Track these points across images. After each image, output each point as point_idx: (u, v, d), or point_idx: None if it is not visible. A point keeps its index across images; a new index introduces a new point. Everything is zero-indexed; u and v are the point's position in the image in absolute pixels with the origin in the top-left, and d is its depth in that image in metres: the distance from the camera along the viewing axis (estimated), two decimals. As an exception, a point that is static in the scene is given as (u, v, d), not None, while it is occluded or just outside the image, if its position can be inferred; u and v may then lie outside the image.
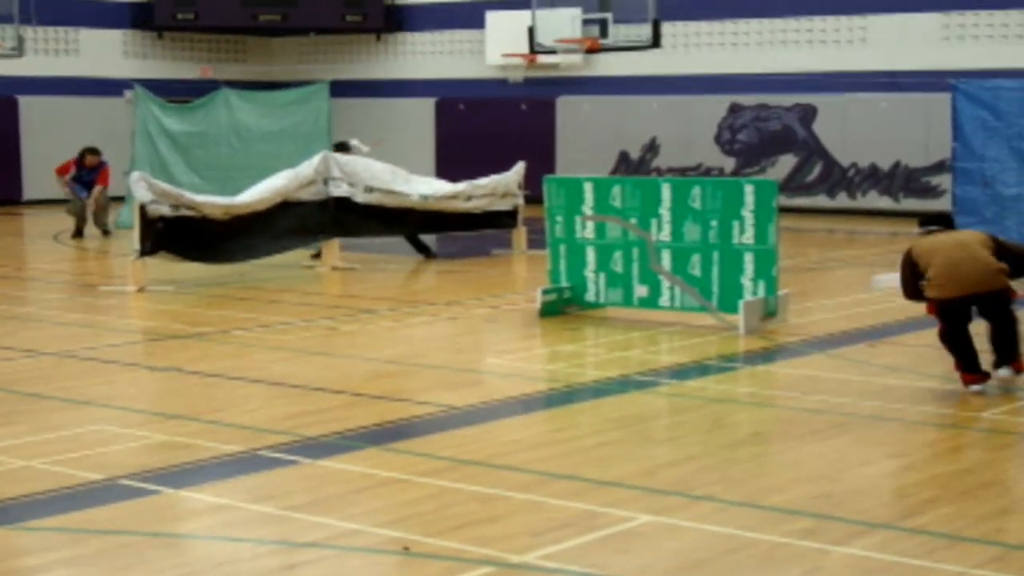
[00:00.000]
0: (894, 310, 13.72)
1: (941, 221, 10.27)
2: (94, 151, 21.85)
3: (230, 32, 32.46)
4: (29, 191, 29.16)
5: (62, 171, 21.83)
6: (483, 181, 18.84)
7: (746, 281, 12.52)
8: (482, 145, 29.17)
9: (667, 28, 25.07)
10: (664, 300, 12.96)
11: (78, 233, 21.41)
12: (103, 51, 30.58)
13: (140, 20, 31.07)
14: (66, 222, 21.97)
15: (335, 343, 12.04)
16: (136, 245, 15.27)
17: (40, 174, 29.07)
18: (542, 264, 14.37)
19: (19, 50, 25.86)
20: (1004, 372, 9.75)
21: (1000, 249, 9.83)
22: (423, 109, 31.19)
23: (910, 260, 9.92)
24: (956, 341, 9.71)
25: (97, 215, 21.52)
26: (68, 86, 29.72)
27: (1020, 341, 9.75)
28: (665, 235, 12.86)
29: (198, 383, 10.18)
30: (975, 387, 9.67)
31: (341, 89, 28.61)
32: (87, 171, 21.62)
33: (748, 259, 12.49)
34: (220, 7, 30.85)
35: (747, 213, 12.47)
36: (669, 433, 8.85)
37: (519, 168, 19.25)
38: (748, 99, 27.40)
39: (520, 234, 19.17)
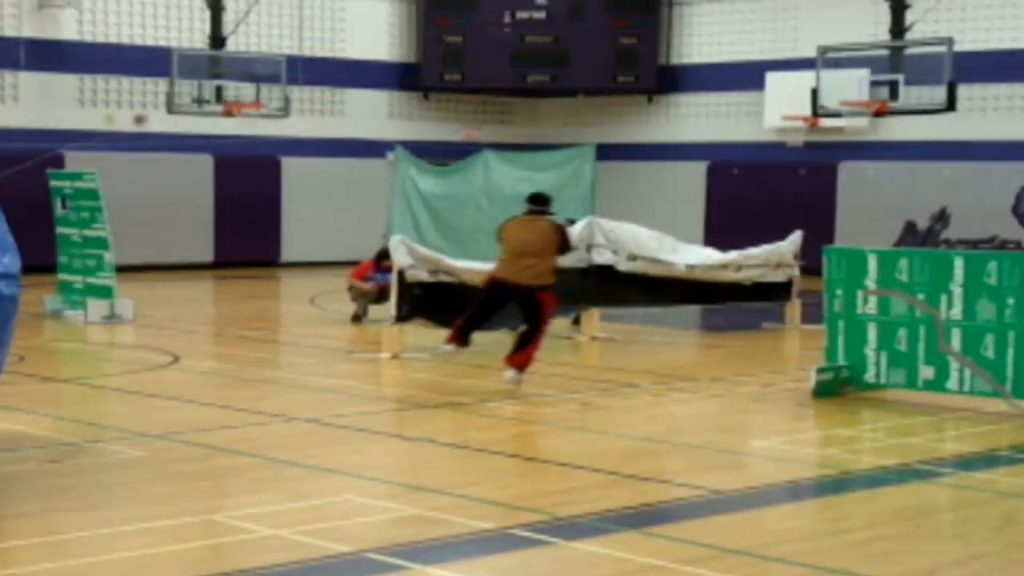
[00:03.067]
0: None
1: (537, 201, 13.14)
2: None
3: (497, 93, 33.16)
4: (287, 253, 30.26)
5: (360, 275, 19.45)
6: (755, 251, 18.65)
7: (1045, 365, 12.04)
8: (756, 212, 28.97)
9: (963, 91, 24.47)
10: (952, 383, 12.56)
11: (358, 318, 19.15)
12: (368, 112, 31.62)
13: (407, 81, 32.04)
14: (328, 284, 22.53)
15: (592, 418, 12.04)
16: (392, 311, 15.64)
17: (299, 236, 30.23)
18: (817, 340, 14.11)
19: (285, 111, 26.96)
20: (508, 374, 12.83)
21: (564, 237, 12.91)
22: (694, 173, 31.18)
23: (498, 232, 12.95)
24: (476, 311, 12.91)
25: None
26: (331, 147, 30.82)
27: (531, 340, 12.81)
28: (956, 313, 12.49)
29: (450, 455, 10.32)
30: (446, 348, 12.96)
31: (608, 152, 28.86)
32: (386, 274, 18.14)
33: (1048, 341, 12.02)
34: (488, 68, 31.60)
35: (1048, 290, 12.02)
36: (954, 529, 8.53)
37: (796, 237, 18.98)
38: (1051, 167, 26.48)
39: (794, 307, 18.89)
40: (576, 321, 17.76)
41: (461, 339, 13.10)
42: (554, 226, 13.15)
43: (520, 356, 13.00)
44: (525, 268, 12.83)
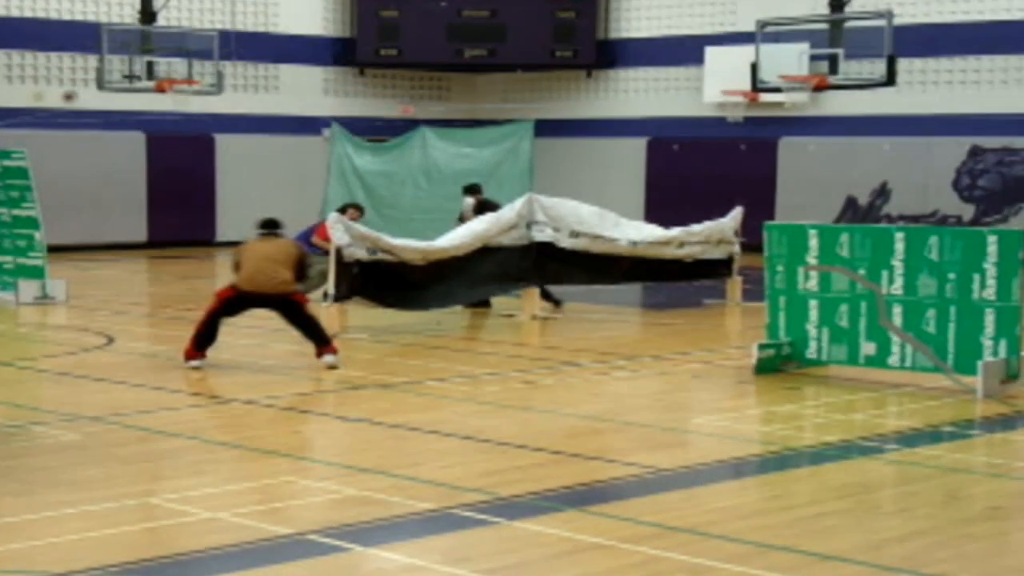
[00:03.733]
0: None
1: (270, 225, 13.54)
2: (360, 207, 18.49)
3: (434, 69, 33.08)
4: (223, 232, 30.09)
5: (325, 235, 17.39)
6: (697, 227, 18.74)
7: (986, 340, 12.20)
8: (697, 188, 29.11)
9: (903, 64, 24.68)
10: (894, 359, 12.70)
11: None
12: (303, 88, 31.47)
13: (342, 56, 31.91)
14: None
15: (534, 397, 12.09)
16: (331, 290, 15.60)
17: (235, 214, 30.06)
18: (759, 317, 14.22)
19: (218, 87, 26.77)
20: (328, 359, 13.15)
21: (303, 261, 13.38)
22: (634, 149, 31.27)
23: (235, 254, 13.45)
24: (208, 323, 13.21)
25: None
26: (266, 124, 30.66)
27: (322, 330, 13.38)
28: (897, 288, 12.61)
29: (391, 436, 10.33)
30: (193, 362, 13.09)
31: (546, 128, 28.92)
32: None
33: (989, 316, 12.17)
34: (425, 43, 31.51)
35: (989, 266, 12.17)
36: (897, 504, 8.63)
37: (736, 213, 19.10)
38: (991, 141, 26.75)
39: (735, 284, 19.01)
40: (554, 300, 17.84)
41: (198, 352, 13.35)
42: (295, 244, 13.76)
43: (326, 346, 13.33)
44: (270, 277, 13.18)
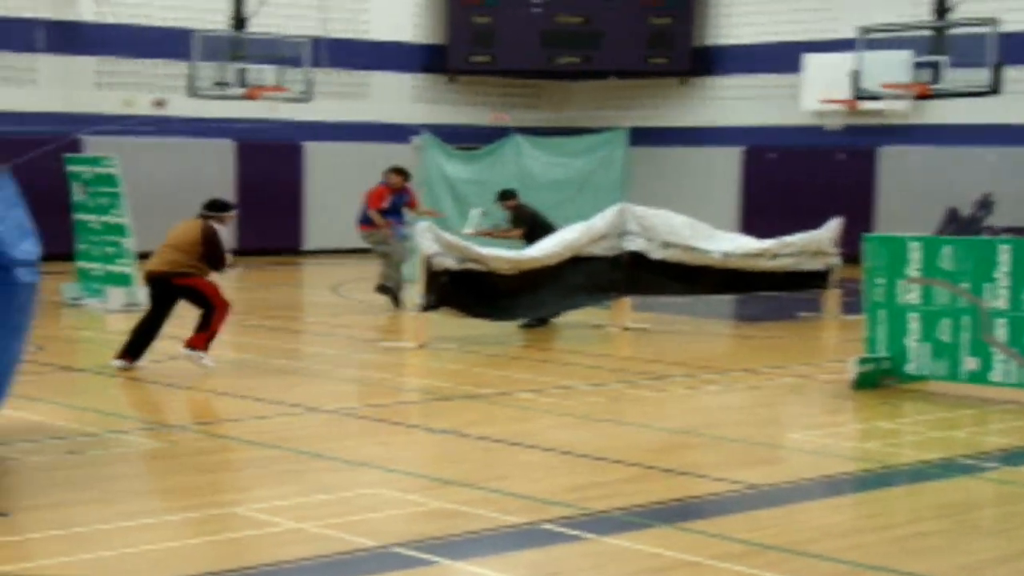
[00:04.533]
0: None
1: (212, 207, 13.99)
2: (402, 171, 19.88)
3: (526, 76, 33.11)
4: (310, 241, 30.31)
5: (376, 200, 19.54)
6: (793, 238, 18.58)
7: (1093, 356, 11.99)
8: (793, 198, 28.87)
9: (1010, 72, 24.33)
10: (996, 375, 12.51)
11: (396, 298, 19.01)
12: (393, 95, 31.62)
13: (433, 63, 32.02)
14: (351, 272, 22.59)
15: (623, 410, 12.04)
16: (419, 299, 15.65)
17: (322, 223, 30.26)
18: (856, 331, 14.07)
19: (308, 95, 26.97)
20: (185, 351, 13.40)
21: (207, 244, 13.37)
22: (729, 158, 31.09)
23: None
24: (143, 323, 13.55)
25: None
26: (355, 132, 30.83)
27: (208, 323, 13.34)
28: (1001, 302, 12.42)
29: (478, 448, 10.33)
30: (116, 362, 13.31)
31: (640, 136, 28.81)
32: (395, 196, 19.56)
33: (1096, 331, 11.97)
34: (517, 50, 31.54)
35: (1096, 279, 11.97)
36: (998, 524, 8.50)
37: (834, 224, 18.90)
38: (1099, 151, 26.31)
39: (832, 297, 18.81)
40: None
41: (128, 355, 13.52)
42: (200, 227, 13.70)
43: (196, 338, 13.47)
44: (161, 257, 13.65)
